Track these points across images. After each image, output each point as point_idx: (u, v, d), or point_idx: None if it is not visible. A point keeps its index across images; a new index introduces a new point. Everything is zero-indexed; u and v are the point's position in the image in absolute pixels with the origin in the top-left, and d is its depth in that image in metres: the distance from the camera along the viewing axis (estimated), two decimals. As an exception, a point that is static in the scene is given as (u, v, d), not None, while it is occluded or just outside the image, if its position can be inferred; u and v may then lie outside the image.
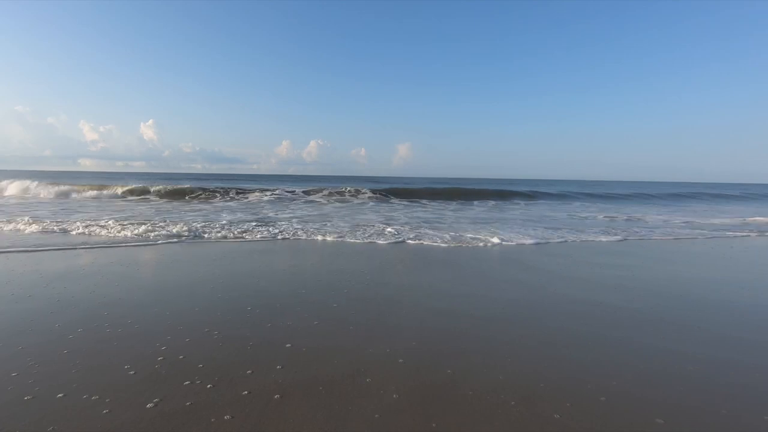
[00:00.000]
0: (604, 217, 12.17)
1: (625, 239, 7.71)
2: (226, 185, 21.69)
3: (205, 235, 7.03)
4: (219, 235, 7.10)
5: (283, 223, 9.14)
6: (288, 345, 2.66)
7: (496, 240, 7.02)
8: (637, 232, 8.67)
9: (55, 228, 7.35)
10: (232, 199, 17.75)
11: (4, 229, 7.32)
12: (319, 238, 7.13)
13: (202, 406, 1.96)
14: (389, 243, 6.76)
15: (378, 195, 20.20)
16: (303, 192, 20.01)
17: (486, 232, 8.13)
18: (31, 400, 1.98)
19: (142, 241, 6.50)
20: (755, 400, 2.12)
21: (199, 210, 12.58)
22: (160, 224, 7.89)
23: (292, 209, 13.56)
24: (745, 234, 8.76)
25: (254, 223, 8.76)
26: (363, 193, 20.37)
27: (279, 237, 7.18)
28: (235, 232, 7.35)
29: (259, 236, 7.18)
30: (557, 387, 2.18)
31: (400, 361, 2.47)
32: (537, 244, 6.94)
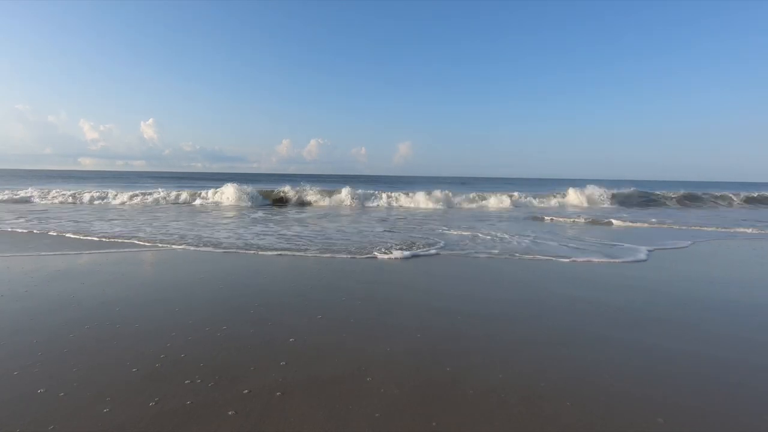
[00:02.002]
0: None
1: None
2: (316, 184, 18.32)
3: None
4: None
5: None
6: (291, 340, 2.67)
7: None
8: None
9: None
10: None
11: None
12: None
13: (203, 404, 1.96)
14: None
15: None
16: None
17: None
18: (31, 398, 1.99)
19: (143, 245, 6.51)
20: (755, 400, 2.12)
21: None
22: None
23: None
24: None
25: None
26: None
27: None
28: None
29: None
30: (557, 386, 2.18)
31: (401, 360, 2.47)
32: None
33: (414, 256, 5.66)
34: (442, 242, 6.71)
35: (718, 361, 2.55)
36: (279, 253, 5.70)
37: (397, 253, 5.64)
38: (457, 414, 1.93)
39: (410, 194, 15.98)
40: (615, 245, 6.79)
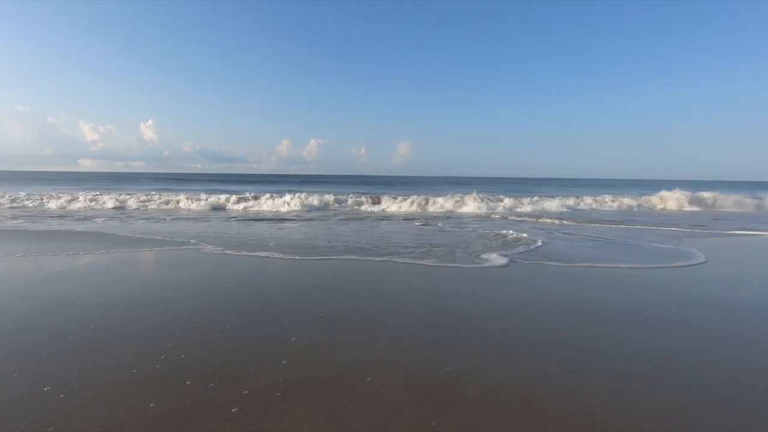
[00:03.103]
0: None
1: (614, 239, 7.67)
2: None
3: None
4: None
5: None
6: (293, 339, 2.67)
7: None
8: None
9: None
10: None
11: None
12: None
13: (203, 405, 1.96)
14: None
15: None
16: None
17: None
18: (32, 399, 1.99)
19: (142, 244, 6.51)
20: (756, 400, 2.11)
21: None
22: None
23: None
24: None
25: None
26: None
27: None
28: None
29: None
30: (558, 386, 2.18)
31: (401, 360, 2.47)
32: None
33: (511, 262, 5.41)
34: (539, 241, 6.71)
35: (719, 360, 2.54)
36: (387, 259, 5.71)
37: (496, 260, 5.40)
38: (457, 414, 1.92)
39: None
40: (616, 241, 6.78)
